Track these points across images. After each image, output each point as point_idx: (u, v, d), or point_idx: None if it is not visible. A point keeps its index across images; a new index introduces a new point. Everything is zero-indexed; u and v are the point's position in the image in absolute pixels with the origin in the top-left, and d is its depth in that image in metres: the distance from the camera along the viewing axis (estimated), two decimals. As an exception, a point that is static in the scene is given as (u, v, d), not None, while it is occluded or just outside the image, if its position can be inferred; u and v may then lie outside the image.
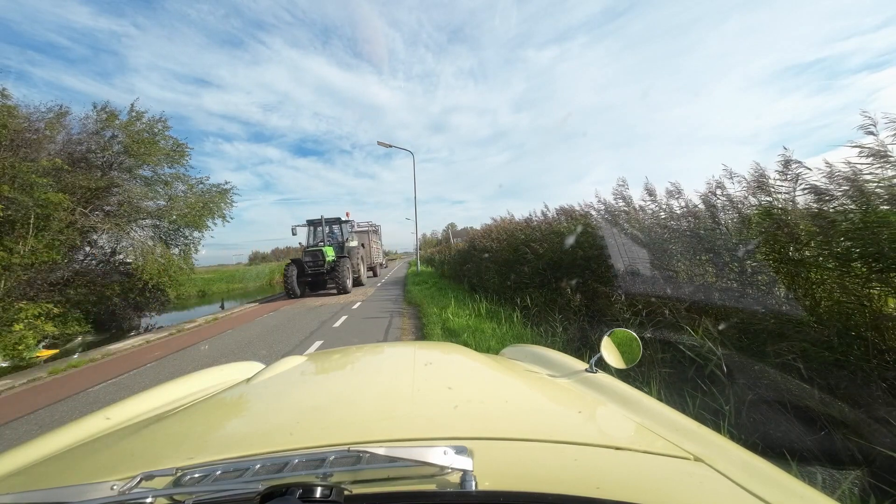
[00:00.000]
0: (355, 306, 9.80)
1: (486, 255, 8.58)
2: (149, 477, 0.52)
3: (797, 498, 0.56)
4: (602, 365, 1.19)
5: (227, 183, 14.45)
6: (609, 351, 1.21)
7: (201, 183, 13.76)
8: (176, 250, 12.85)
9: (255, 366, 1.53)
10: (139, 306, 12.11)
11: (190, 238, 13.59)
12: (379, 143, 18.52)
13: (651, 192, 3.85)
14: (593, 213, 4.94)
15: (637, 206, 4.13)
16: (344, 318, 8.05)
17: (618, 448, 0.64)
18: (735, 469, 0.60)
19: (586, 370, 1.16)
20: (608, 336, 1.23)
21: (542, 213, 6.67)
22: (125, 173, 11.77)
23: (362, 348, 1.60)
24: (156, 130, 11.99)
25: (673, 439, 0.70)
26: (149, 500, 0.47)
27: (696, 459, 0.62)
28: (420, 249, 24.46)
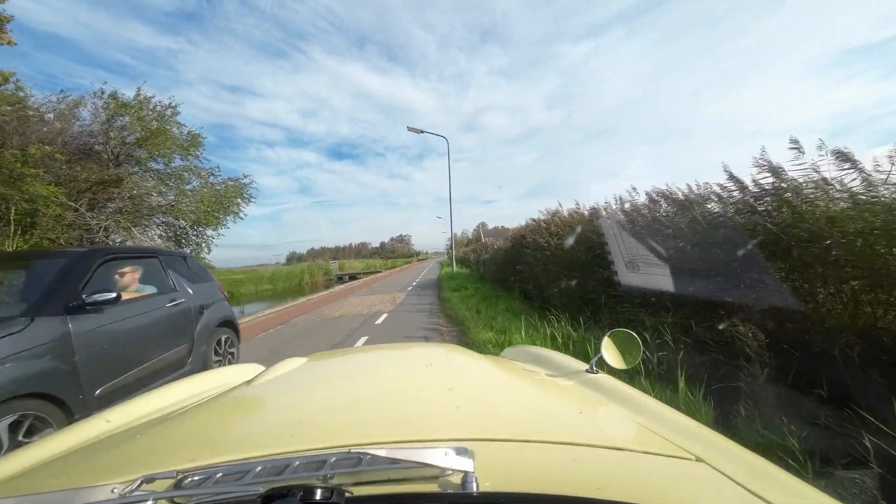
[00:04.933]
0: (379, 321, 7.51)
1: (548, 252, 6.34)
2: (149, 479, 0.52)
3: (800, 498, 0.56)
4: (602, 365, 1.19)
5: (245, 176, 13.12)
6: (609, 351, 1.21)
7: (212, 175, 12.46)
8: (187, 250, 11.86)
9: (256, 368, 1.53)
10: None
11: (202, 237, 12.48)
12: (409, 129, 17.98)
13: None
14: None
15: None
16: (364, 339, 6.15)
17: (619, 449, 0.64)
18: (737, 469, 0.59)
19: (587, 371, 1.15)
20: (608, 336, 1.23)
21: (630, 196, 4.57)
22: (133, 166, 11.12)
23: (363, 350, 1.60)
24: (165, 116, 11.20)
25: (674, 440, 0.70)
26: (149, 502, 0.47)
27: (698, 460, 0.62)
28: (454, 249, 23.78)
